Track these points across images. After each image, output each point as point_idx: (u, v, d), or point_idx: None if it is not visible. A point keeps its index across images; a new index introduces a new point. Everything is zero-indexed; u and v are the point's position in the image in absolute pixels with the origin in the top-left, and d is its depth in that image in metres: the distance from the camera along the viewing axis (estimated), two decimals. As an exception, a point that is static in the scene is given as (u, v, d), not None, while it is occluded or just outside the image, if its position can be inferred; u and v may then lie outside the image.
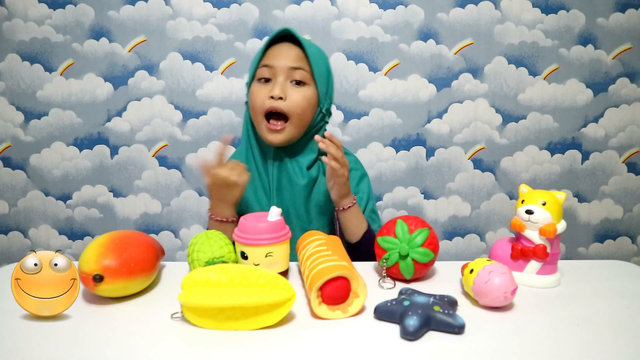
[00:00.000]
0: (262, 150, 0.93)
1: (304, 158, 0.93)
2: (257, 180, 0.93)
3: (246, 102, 0.94)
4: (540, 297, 0.67)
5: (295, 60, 0.88)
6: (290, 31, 0.89)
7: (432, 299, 0.60)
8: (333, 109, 1.19)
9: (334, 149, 0.83)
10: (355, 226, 0.90)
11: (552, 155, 1.59)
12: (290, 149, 0.92)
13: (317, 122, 0.92)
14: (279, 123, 0.87)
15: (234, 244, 0.73)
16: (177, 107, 1.53)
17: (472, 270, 0.64)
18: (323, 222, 0.95)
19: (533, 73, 1.54)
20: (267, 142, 0.89)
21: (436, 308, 0.57)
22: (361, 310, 0.62)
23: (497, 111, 1.56)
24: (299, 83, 0.88)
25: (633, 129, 1.59)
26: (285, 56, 0.88)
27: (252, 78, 0.91)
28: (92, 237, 1.59)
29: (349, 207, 0.89)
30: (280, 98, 0.86)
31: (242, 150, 0.96)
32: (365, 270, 0.77)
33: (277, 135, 0.88)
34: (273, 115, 0.88)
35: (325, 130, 0.94)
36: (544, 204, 0.69)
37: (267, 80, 0.88)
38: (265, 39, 0.92)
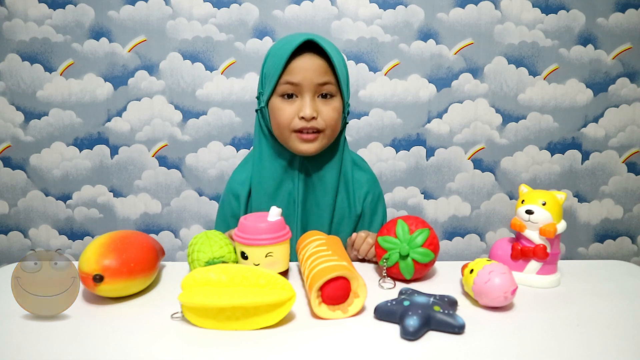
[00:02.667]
0: (287, 161, 0.88)
1: (330, 173, 0.89)
2: (278, 195, 0.88)
3: (257, 110, 0.89)
4: (540, 297, 0.67)
5: (322, 74, 0.81)
6: (314, 40, 0.80)
7: (432, 299, 0.60)
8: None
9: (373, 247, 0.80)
10: None
11: (552, 155, 1.59)
12: (317, 160, 0.88)
13: (341, 128, 0.89)
14: (311, 135, 0.83)
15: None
16: (177, 107, 1.53)
17: (472, 270, 0.64)
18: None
19: (533, 73, 1.54)
20: (298, 152, 0.84)
21: (436, 308, 0.57)
22: (361, 310, 0.62)
23: (497, 111, 1.56)
24: (325, 96, 0.83)
25: (633, 129, 1.59)
26: (311, 71, 0.81)
27: (272, 91, 0.83)
28: (92, 237, 1.59)
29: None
30: (313, 118, 0.81)
31: (256, 159, 0.90)
32: (365, 270, 0.77)
33: (310, 145, 0.83)
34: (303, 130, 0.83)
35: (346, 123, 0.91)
36: (544, 204, 0.69)
37: (290, 95, 0.82)
38: (269, 42, 0.89)
